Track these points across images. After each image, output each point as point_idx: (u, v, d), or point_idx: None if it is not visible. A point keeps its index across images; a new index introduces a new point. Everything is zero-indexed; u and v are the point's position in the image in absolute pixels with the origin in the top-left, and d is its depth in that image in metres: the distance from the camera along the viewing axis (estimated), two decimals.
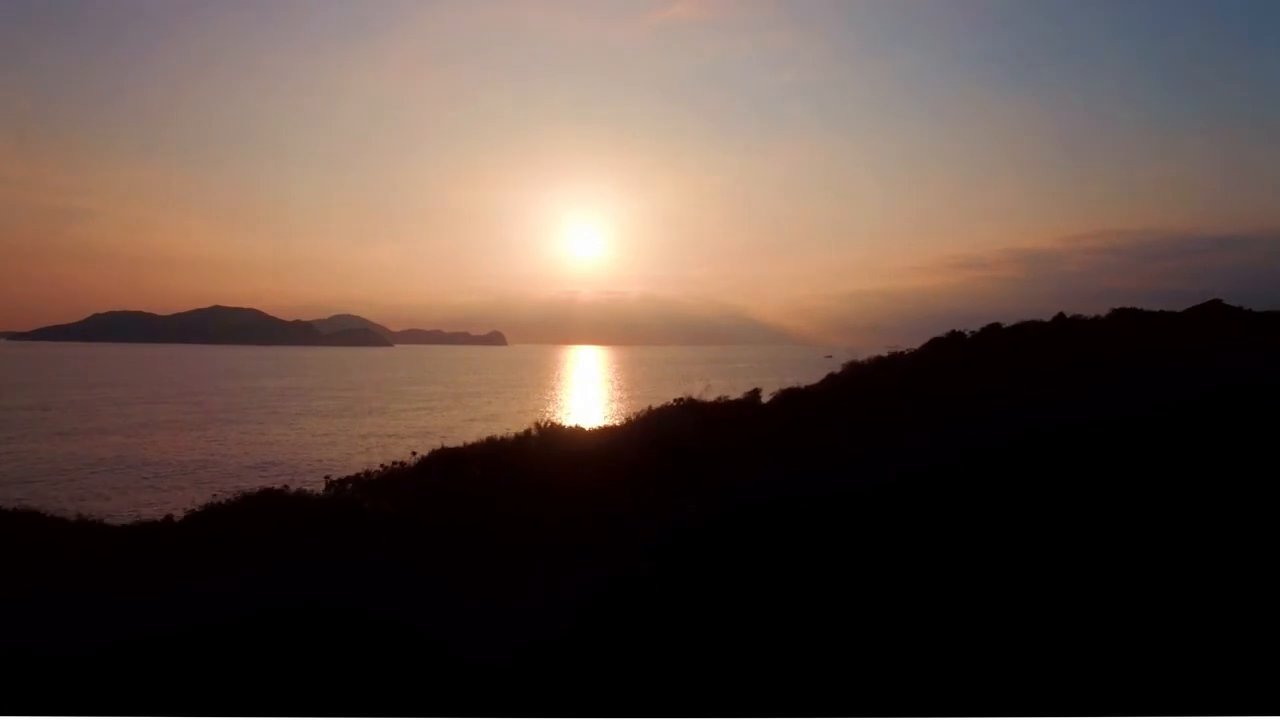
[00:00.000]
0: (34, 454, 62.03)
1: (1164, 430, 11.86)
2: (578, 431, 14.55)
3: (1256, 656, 6.78)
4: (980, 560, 8.68)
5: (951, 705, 6.40)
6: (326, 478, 13.30)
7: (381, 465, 13.29)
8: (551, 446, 13.07)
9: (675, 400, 15.16)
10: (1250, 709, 6.10)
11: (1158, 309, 20.70)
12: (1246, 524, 9.11)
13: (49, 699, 6.51)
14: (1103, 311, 20.44)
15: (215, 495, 11.36)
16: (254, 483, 53.44)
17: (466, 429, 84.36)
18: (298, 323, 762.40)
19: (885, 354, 18.89)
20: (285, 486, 11.45)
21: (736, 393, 16.25)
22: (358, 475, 13.03)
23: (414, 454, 13.54)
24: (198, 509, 10.98)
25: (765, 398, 15.57)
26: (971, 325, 19.39)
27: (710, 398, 15.13)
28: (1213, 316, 20.25)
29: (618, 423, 15.40)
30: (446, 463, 12.71)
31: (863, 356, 18.51)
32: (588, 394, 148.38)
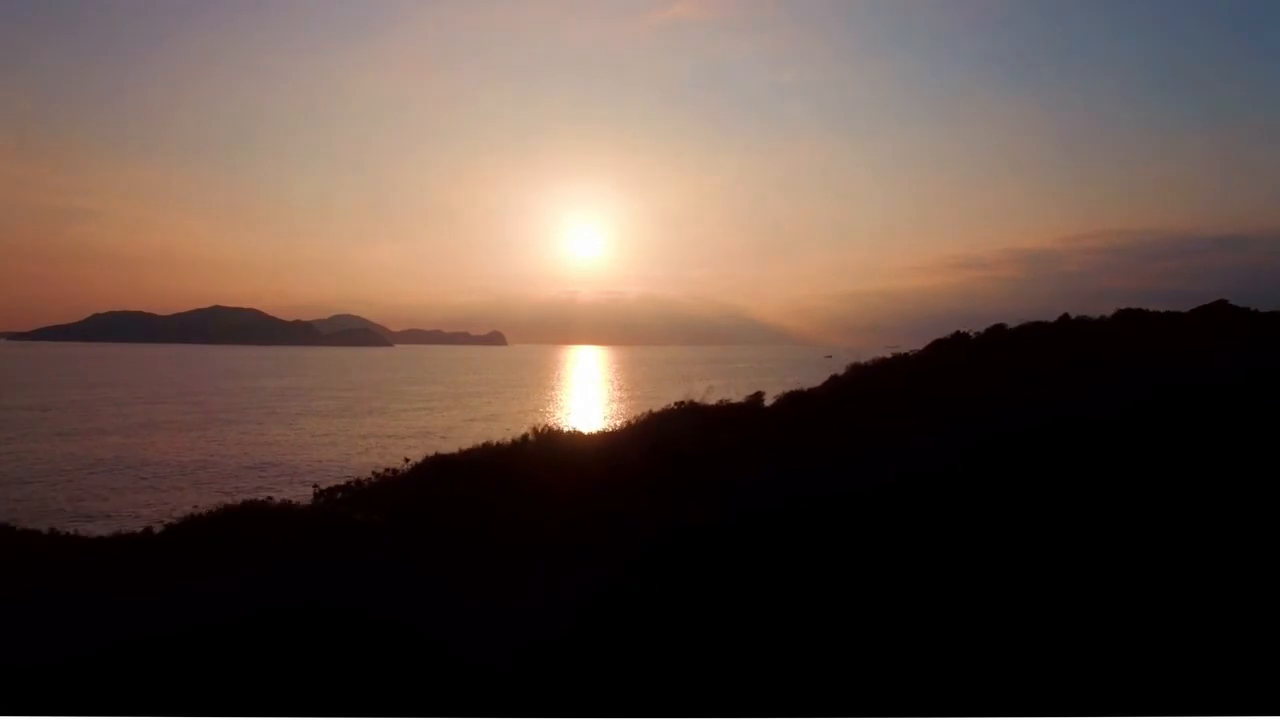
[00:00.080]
0: (33, 454, 61.98)
1: (1166, 430, 11.85)
2: (576, 436, 14.34)
3: (1256, 656, 6.77)
4: (980, 560, 8.67)
5: (951, 705, 6.39)
6: (315, 487, 12.94)
7: (374, 473, 12.92)
8: (549, 452, 12.88)
9: (676, 403, 14.99)
10: (1250, 709, 6.09)
11: (1159, 309, 20.69)
12: (1248, 523, 9.10)
13: (41, 702, 6.50)
14: (1107, 312, 20.42)
15: (196, 507, 11.05)
16: (252, 483, 53.38)
17: (466, 429, 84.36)
18: (298, 323, 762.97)
19: (889, 355, 18.82)
20: (269, 498, 11.13)
21: (737, 393, 16.14)
22: (348, 484, 12.65)
23: (407, 460, 13.14)
24: (175, 521, 10.71)
25: (768, 400, 15.43)
26: (971, 325, 19.35)
27: (712, 401, 14.98)
28: (1219, 317, 20.15)
29: (617, 427, 15.21)
30: (441, 470, 12.40)
31: (863, 356, 18.45)
32: (587, 394, 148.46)
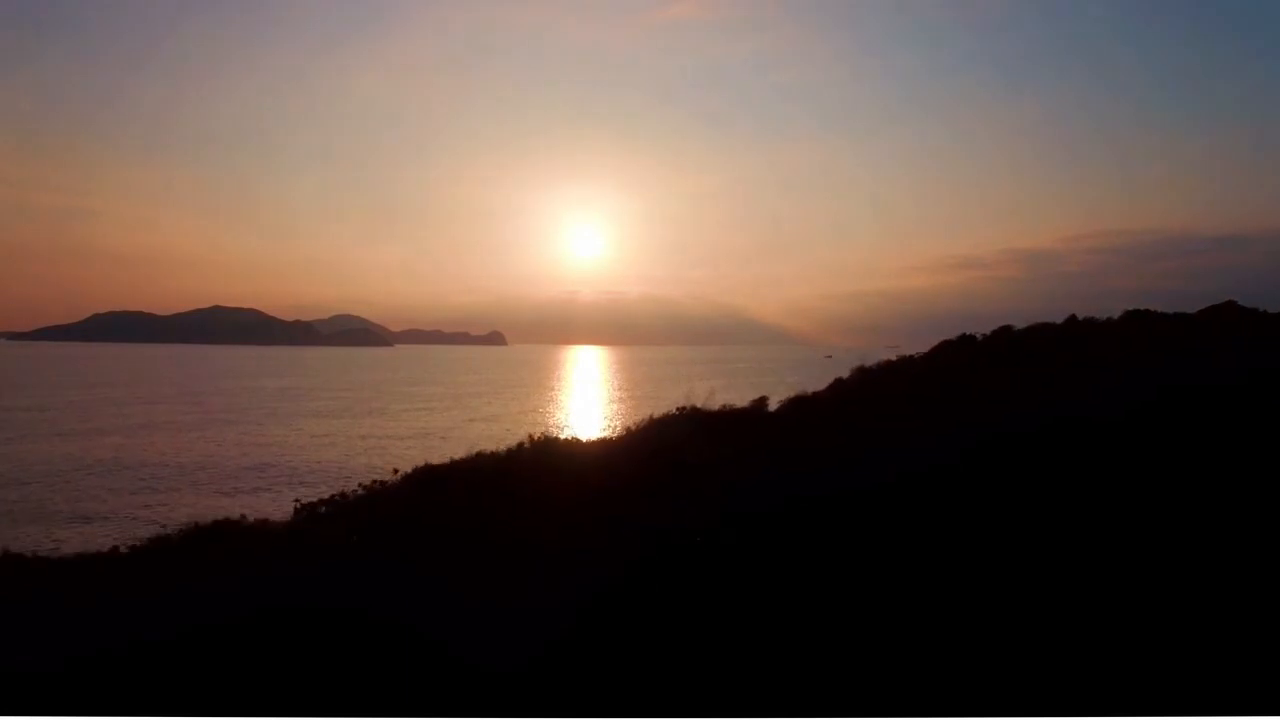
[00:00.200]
0: (32, 455, 61.89)
1: (1170, 431, 11.84)
2: (574, 443, 14.07)
3: (1256, 656, 6.76)
4: (979, 558, 8.67)
5: (951, 705, 6.39)
6: (296, 501, 12.47)
7: (360, 485, 12.42)
8: (547, 459, 12.54)
9: (677, 408, 14.72)
10: (1250, 709, 6.10)
11: (1159, 309, 20.63)
12: (1250, 524, 9.09)
13: (41, 704, 6.53)
14: (1109, 312, 20.34)
15: (164, 526, 10.72)
16: (251, 484, 53.34)
17: (466, 429, 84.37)
18: (298, 323, 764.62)
19: (894, 358, 18.67)
20: (243, 516, 10.80)
21: (738, 394, 15.97)
22: (332, 497, 12.15)
23: (396, 471, 12.69)
24: (141, 542, 10.40)
25: (772, 404, 15.17)
26: (972, 325, 19.22)
27: (714, 405, 14.70)
28: (1227, 318, 19.97)
29: (617, 433, 14.93)
30: (431, 480, 12.01)
31: (868, 359, 18.40)
32: (587, 395, 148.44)
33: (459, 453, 13.29)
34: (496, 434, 79.94)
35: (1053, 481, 10.43)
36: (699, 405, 14.85)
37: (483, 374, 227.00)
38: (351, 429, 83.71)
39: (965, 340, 18.66)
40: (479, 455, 12.79)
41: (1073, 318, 19.37)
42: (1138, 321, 19.74)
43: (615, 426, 16.32)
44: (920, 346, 19.89)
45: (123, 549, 10.44)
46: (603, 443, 14.34)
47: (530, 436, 13.44)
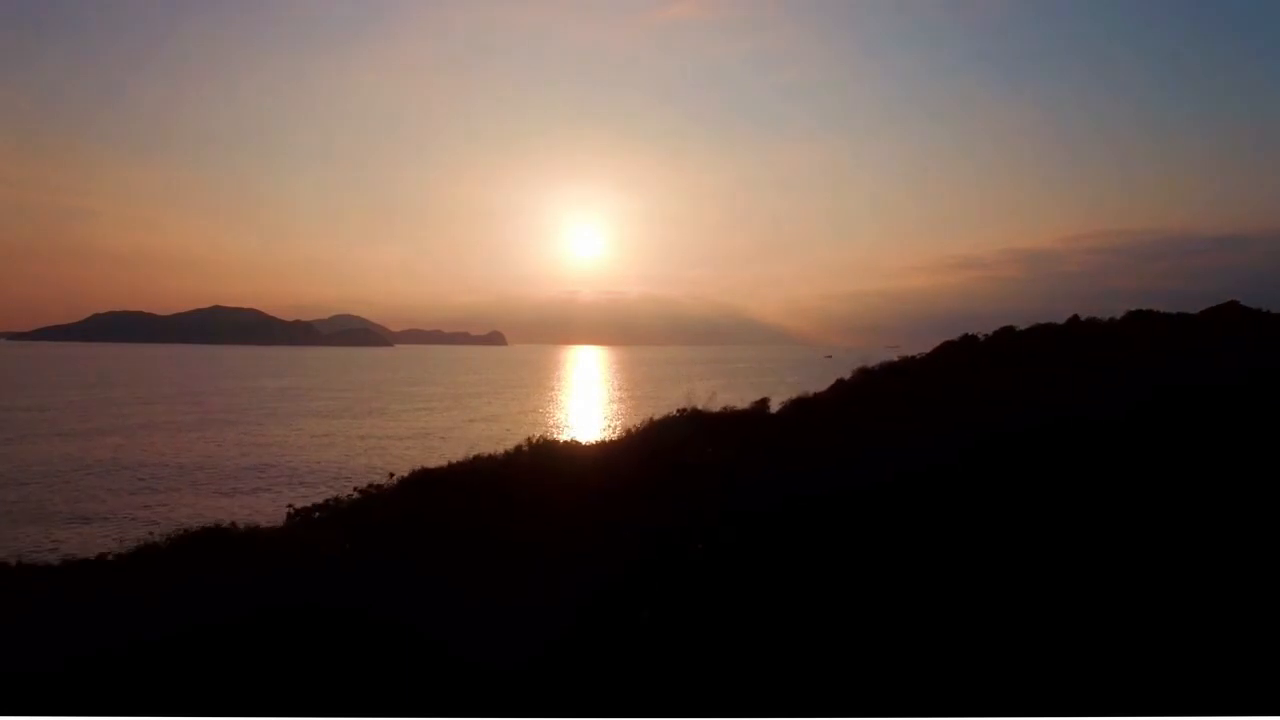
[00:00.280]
0: (31, 455, 61.82)
1: (1171, 431, 11.82)
2: (573, 446, 13.91)
3: (1256, 656, 6.74)
4: (977, 556, 8.64)
5: (951, 705, 6.36)
6: (289, 507, 12.21)
7: (355, 489, 12.17)
8: (545, 463, 12.39)
9: (678, 410, 14.62)
10: (1250, 709, 6.08)
11: (1160, 309, 20.58)
12: (1251, 524, 9.06)
13: (41, 704, 6.51)
14: (1110, 312, 20.30)
15: (151, 532, 10.52)
16: (251, 484, 53.21)
17: (466, 429, 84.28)
18: (298, 323, 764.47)
19: (896, 358, 18.62)
20: (233, 523, 10.60)
21: (738, 393, 15.92)
22: (326, 502, 11.89)
23: (392, 475, 12.46)
24: (126, 550, 10.15)
25: (774, 406, 15.09)
26: (972, 325, 19.21)
27: (715, 407, 14.60)
28: (1230, 318, 19.91)
29: (617, 435, 14.78)
30: (429, 484, 11.83)
31: (863, 356, 18.36)
32: (587, 395, 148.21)
33: (459, 453, 13.19)
34: (496, 434, 79.94)
35: (1054, 481, 10.41)
36: (699, 407, 14.76)
37: (483, 374, 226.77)
38: (351, 429, 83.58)
39: (967, 341, 18.61)
40: (476, 459, 12.62)
41: (1075, 318, 19.32)
42: (1140, 322, 19.69)
43: (615, 427, 16.26)
44: (920, 346, 19.87)
45: (110, 556, 10.26)
46: (602, 445, 14.21)
47: (529, 439, 13.28)
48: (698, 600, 8.10)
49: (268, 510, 44.22)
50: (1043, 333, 18.36)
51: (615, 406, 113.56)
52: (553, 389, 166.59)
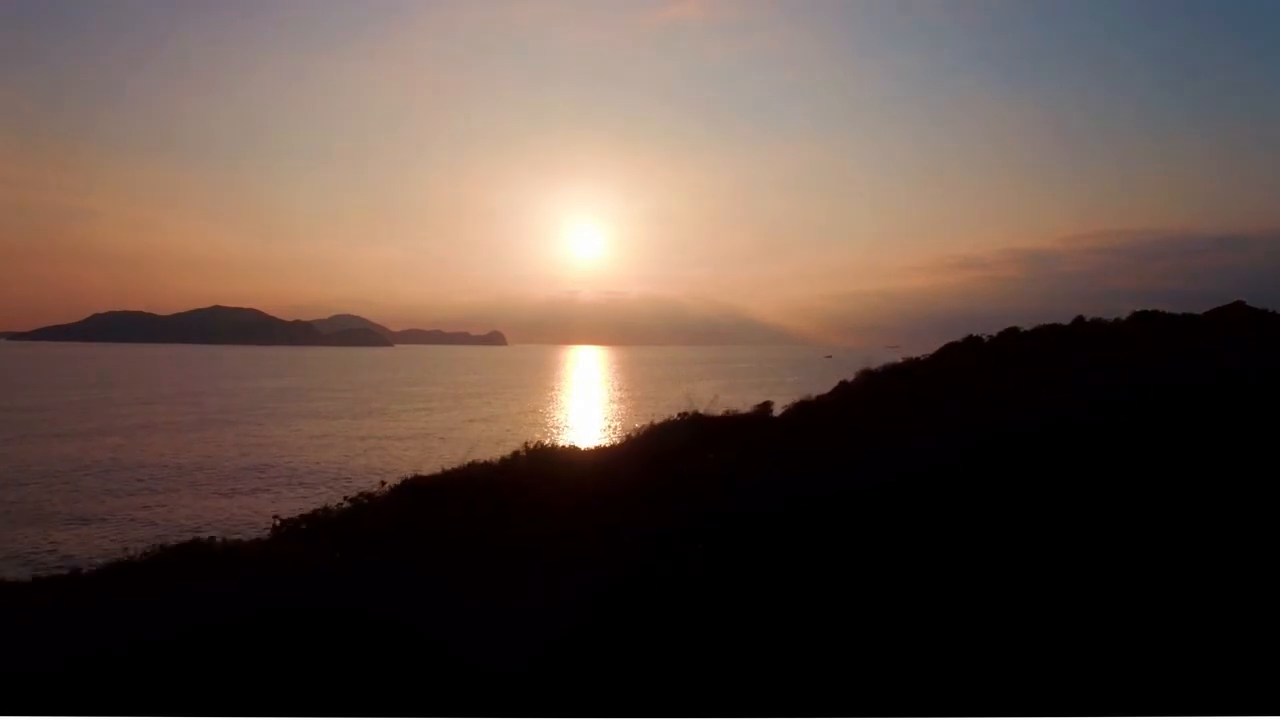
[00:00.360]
0: (30, 456, 61.77)
1: (1172, 431, 11.80)
2: (571, 451, 13.66)
3: (1256, 656, 6.72)
4: (975, 555, 8.63)
5: (951, 705, 6.34)
6: (275, 518, 11.79)
7: (345, 498, 11.75)
8: (543, 468, 12.16)
9: (679, 414, 14.46)
10: (1250, 709, 6.07)
11: (1159, 309, 20.52)
12: (1252, 524, 9.04)
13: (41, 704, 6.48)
14: (1117, 314, 20.26)
15: (127, 549, 10.22)
16: (250, 485, 53.10)
17: (466, 429, 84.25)
18: (298, 323, 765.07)
19: (900, 360, 18.56)
20: (212, 538, 10.31)
21: (738, 394, 15.85)
22: (315, 512, 11.49)
23: (383, 484, 12.09)
24: (98, 567, 9.79)
25: (776, 409, 14.98)
26: (971, 325, 19.21)
27: (717, 411, 14.44)
28: (1235, 318, 19.84)
29: (616, 440, 14.59)
30: (422, 494, 11.51)
31: (864, 357, 18.32)
32: (588, 396, 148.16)
33: (459, 453, 13.06)
34: (496, 434, 79.94)
35: (1055, 482, 10.39)
36: (701, 410, 14.61)
37: (482, 374, 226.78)
38: (351, 430, 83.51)
39: (972, 342, 18.54)
40: (472, 465, 12.33)
41: (1080, 319, 19.26)
42: (1145, 322, 19.63)
43: (615, 429, 16.18)
44: (920, 346, 19.86)
45: (85, 570, 9.94)
46: (601, 450, 14.01)
47: (526, 445, 13.02)
48: (698, 600, 8.07)
49: (266, 511, 44.06)
50: (1047, 334, 18.29)
51: (615, 407, 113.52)
52: (553, 389, 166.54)
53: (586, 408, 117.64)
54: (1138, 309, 20.25)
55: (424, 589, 8.28)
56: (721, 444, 13.01)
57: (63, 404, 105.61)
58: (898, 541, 9.07)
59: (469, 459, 12.64)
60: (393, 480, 12.21)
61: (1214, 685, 6.41)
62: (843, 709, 6.46)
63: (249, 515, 41.60)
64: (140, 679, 6.77)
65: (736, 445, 12.80)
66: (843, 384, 16.58)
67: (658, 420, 14.90)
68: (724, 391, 16.20)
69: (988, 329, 19.09)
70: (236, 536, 10.86)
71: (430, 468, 12.33)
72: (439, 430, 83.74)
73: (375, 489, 12.04)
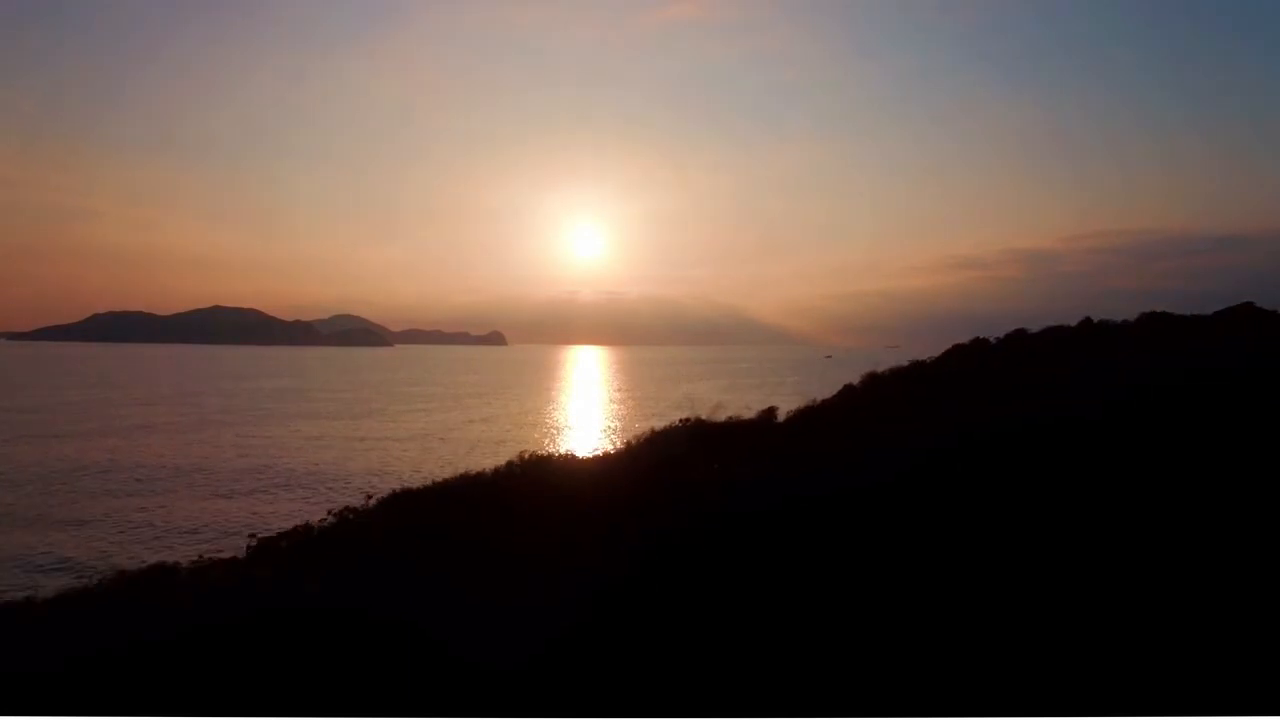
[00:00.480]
0: (29, 456, 61.67)
1: (1174, 431, 11.77)
2: (569, 460, 13.35)
3: (1256, 656, 6.69)
4: (974, 553, 8.58)
5: (950, 705, 6.32)
6: (251, 537, 11.22)
7: (330, 512, 11.20)
8: (539, 480, 11.83)
9: (680, 421, 14.29)
10: (1250, 709, 6.05)
11: (1159, 309, 20.50)
12: (1254, 524, 8.99)
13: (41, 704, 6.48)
14: (1118, 314, 20.21)
15: (84, 578, 9.74)
16: (248, 486, 52.95)
17: (466, 430, 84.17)
18: (298, 323, 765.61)
19: (907, 363, 18.49)
20: (177, 563, 9.87)
21: (739, 394, 15.87)
22: (295, 529, 10.95)
23: (370, 498, 11.63)
24: (55, 594, 9.13)
25: (780, 413, 14.83)
26: (971, 325, 19.32)
27: (720, 417, 14.25)
28: (1244, 319, 19.75)
29: (615, 449, 14.25)
30: (411, 507, 11.09)
31: (861, 356, 18.30)
32: (588, 396, 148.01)
33: (459, 453, 12.93)
34: (496, 435, 79.85)
35: (1057, 482, 10.36)
36: (703, 417, 14.42)
37: (482, 374, 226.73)
38: (350, 430, 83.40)
39: (978, 344, 18.47)
40: (464, 476, 11.98)
41: (1087, 320, 19.19)
42: (1153, 324, 19.54)
43: (615, 430, 16.07)
44: (920, 346, 19.84)
45: (38, 598, 9.20)
46: (600, 459, 13.71)
47: (521, 455, 12.70)
48: (697, 599, 8.04)
49: (265, 513, 44.11)
50: (1054, 335, 18.20)
51: (615, 408, 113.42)
52: (553, 390, 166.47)
53: (587, 408, 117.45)
54: (1139, 309, 20.25)
55: (424, 587, 8.24)
56: (724, 451, 12.90)
57: (62, 404, 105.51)
58: (898, 541, 9.05)
59: (469, 459, 12.51)
60: (385, 488, 11.87)
61: (1214, 685, 6.38)
62: (843, 709, 6.44)
63: (247, 517, 41.51)
64: (140, 679, 6.75)
65: (741, 452, 12.71)
66: (847, 387, 16.51)
67: (658, 426, 14.77)
68: (724, 392, 16.13)
69: (988, 329, 19.11)
70: (215, 554, 10.63)
71: (430, 468, 12.18)
72: (439, 431, 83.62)
73: (361, 504, 11.57)
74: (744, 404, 17.06)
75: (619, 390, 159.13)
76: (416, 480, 12.87)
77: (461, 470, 12.26)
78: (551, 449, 13.62)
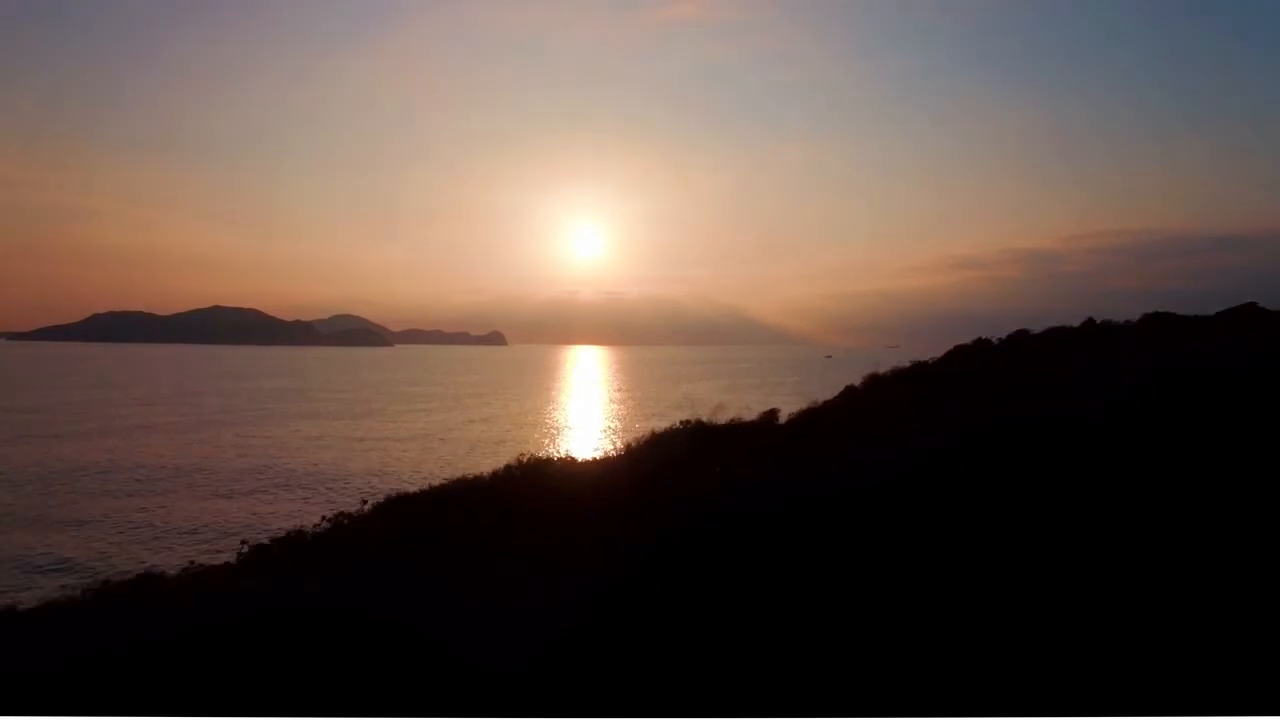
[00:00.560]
0: (28, 457, 61.66)
1: (1174, 431, 11.71)
2: (569, 463, 13.25)
3: (1256, 656, 6.69)
4: (980, 558, 8.57)
5: (950, 705, 6.32)
6: (242, 543, 11.10)
7: (324, 517, 11.03)
8: (538, 483, 11.75)
9: (681, 423, 14.25)
10: (1250, 709, 6.05)
11: (1159, 309, 20.48)
12: (1255, 524, 8.97)
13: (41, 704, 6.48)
14: (1121, 314, 20.19)
15: (66, 588, 9.54)
16: (248, 486, 52.90)
17: (466, 430, 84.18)
18: (298, 323, 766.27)
19: (908, 364, 18.48)
20: (164, 572, 9.82)
21: (739, 394, 15.87)
22: (288, 534, 10.78)
23: (365, 502, 11.47)
24: (55, 594, 9.12)
25: (782, 415, 14.79)
26: (971, 325, 19.34)
27: (721, 419, 14.19)
28: (1248, 319, 19.72)
29: (615, 449, 14.19)
30: (406, 512, 10.94)
31: (861, 356, 18.31)
32: (588, 396, 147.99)
33: (459, 453, 12.90)
34: (496, 435, 79.79)
35: (1060, 482, 10.34)
36: (704, 418, 14.38)
37: (482, 374, 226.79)
38: (350, 431, 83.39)
39: (980, 344, 18.45)
40: (461, 480, 11.88)
41: (1090, 321, 19.17)
42: (1155, 324, 19.52)
43: (616, 430, 16.05)
44: (920, 346, 19.90)
45: (37, 599, 9.15)
46: (600, 462, 13.64)
47: (519, 459, 12.64)
48: (697, 599, 8.04)
49: (264, 513, 44.10)
50: (1057, 335, 18.18)
51: (616, 408, 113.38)
52: (553, 390, 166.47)
53: (586, 409, 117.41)
54: (1140, 309, 20.24)
55: (424, 588, 8.24)
56: (725, 452, 12.86)
57: (62, 404, 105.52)
58: (901, 542, 9.03)
59: (469, 460, 12.48)
60: (385, 489, 11.80)
61: (1214, 685, 6.38)
62: (843, 709, 6.44)
63: (247, 518, 41.51)
64: (140, 679, 6.74)
65: (742, 453, 12.68)
66: (849, 388, 16.48)
67: (659, 427, 14.72)
68: (724, 392, 16.12)
69: (988, 329, 19.12)
70: (210, 556, 10.52)
71: (430, 469, 12.19)
72: (439, 431, 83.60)
73: (356, 509, 11.44)
74: (744, 404, 17.04)
75: (619, 390, 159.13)
76: (416, 481, 12.86)
77: (460, 472, 12.21)
78: (551, 450, 13.56)
